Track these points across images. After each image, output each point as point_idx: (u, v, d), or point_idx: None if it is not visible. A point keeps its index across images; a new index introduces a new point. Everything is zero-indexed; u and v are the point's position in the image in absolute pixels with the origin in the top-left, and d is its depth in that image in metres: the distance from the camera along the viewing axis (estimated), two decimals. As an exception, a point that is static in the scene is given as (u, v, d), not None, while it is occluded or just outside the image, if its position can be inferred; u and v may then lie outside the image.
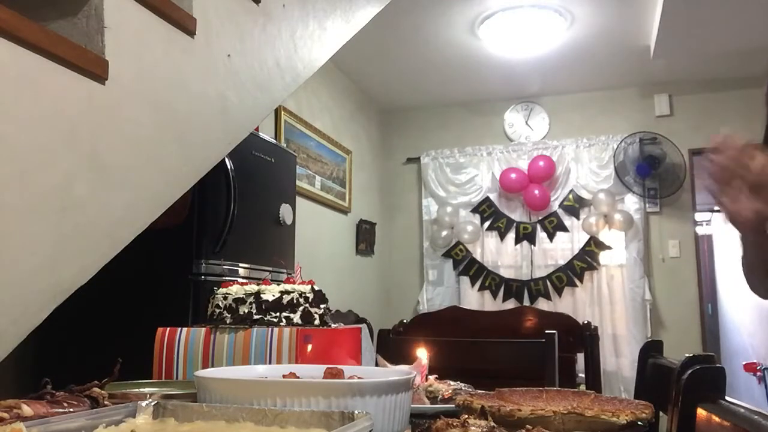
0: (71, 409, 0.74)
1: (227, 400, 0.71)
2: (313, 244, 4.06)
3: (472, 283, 5.14)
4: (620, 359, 4.71)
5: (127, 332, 1.70)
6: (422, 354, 1.22)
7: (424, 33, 4.11)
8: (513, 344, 1.83)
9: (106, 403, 0.80)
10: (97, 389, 0.82)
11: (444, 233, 5.18)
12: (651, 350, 1.40)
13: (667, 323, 4.77)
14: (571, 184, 5.01)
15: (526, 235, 5.05)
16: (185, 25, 1.53)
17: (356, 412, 0.64)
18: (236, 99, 1.77)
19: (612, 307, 4.83)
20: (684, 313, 4.74)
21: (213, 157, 1.72)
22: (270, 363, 1.10)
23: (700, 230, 6.58)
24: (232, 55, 1.73)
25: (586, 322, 2.32)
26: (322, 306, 1.22)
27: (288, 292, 1.20)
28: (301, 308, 1.19)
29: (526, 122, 5.25)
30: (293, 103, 3.98)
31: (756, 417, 0.69)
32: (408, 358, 1.39)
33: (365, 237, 5.05)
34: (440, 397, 1.02)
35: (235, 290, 1.22)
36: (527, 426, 0.73)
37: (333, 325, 1.23)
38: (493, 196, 5.15)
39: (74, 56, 1.20)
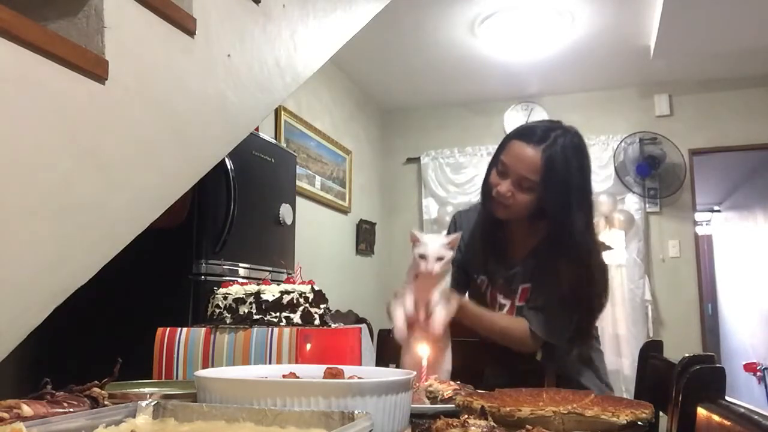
0: (71, 409, 0.74)
1: (227, 400, 0.71)
2: (313, 244, 4.06)
3: (473, 283, 5.13)
4: (621, 359, 4.71)
5: (127, 332, 1.70)
6: (423, 352, 1.22)
7: (424, 33, 4.11)
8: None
9: (106, 403, 0.80)
10: (97, 389, 0.82)
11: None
12: (651, 350, 1.39)
13: (667, 323, 4.76)
14: (571, 184, 5.00)
15: (527, 235, 5.04)
16: (185, 25, 1.53)
17: (356, 412, 0.64)
18: (236, 99, 1.76)
19: (612, 307, 4.82)
20: (684, 313, 4.73)
21: (213, 157, 1.72)
22: (270, 363, 1.10)
23: (700, 230, 6.58)
24: (232, 55, 1.73)
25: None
26: (322, 306, 1.22)
27: (288, 292, 1.20)
28: (301, 308, 1.19)
29: (527, 122, 5.24)
30: (293, 103, 3.98)
31: (756, 417, 0.69)
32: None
33: (365, 237, 5.04)
34: (440, 397, 1.02)
35: (235, 290, 1.22)
36: (527, 426, 0.73)
37: (333, 325, 1.23)
38: (493, 196, 5.14)
39: (74, 56, 1.20)
